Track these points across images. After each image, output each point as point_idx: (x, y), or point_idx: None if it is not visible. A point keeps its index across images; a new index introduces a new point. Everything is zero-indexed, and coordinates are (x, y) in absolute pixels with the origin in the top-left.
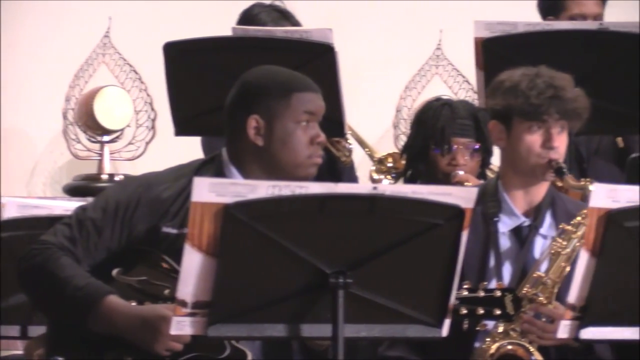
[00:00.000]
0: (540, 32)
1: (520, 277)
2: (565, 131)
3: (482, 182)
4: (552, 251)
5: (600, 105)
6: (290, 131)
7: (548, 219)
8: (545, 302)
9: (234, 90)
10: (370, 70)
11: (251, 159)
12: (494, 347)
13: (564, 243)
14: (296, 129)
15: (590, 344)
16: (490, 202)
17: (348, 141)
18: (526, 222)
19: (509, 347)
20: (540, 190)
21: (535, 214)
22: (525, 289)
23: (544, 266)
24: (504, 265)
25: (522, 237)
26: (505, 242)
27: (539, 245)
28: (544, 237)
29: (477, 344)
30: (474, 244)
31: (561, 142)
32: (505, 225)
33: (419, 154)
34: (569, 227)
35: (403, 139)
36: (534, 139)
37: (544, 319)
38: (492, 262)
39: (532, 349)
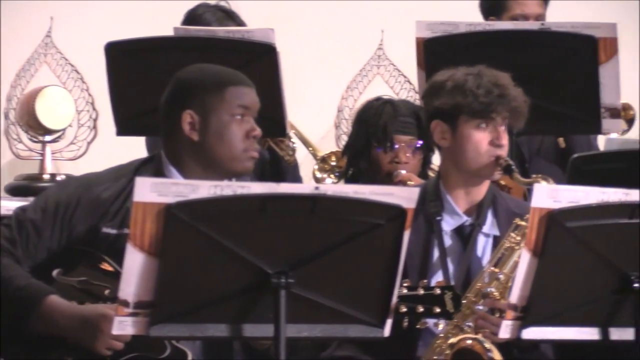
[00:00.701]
0: (481, 32)
1: (465, 276)
2: (506, 130)
3: (423, 181)
4: (506, 246)
5: (543, 105)
6: (225, 125)
7: (490, 218)
8: (499, 297)
9: (168, 88)
10: (311, 71)
11: (188, 156)
12: (449, 342)
13: (518, 238)
14: (231, 122)
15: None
16: (432, 202)
17: (291, 140)
18: (468, 221)
19: (469, 341)
20: (481, 189)
21: (477, 212)
22: (479, 284)
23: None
24: (448, 264)
25: (465, 236)
26: (448, 242)
27: (482, 244)
28: (487, 235)
29: (421, 343)
30: (416, 243)
31: (506, 140)
32: (448, 224)
33: (361, 153)
34: (523, 223)
35: (345, 139)
36: (483, 136)
37: (498, 315)
38: (435, 261)
39: (488, 345)
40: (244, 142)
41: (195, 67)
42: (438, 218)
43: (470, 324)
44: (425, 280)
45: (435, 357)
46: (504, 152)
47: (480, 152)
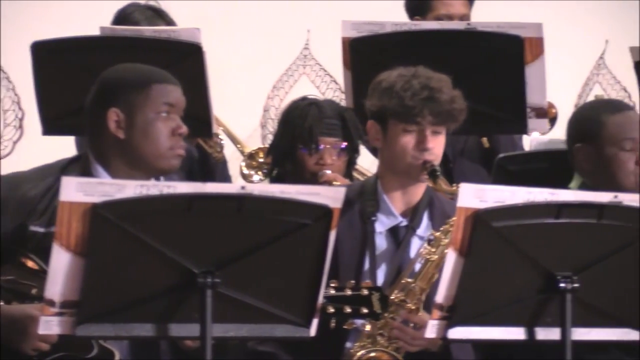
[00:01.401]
0: (407, 32)
1: (395, 278)
2: (442, 133)
3: (348, 181)
4: (423, 257)
5: (469, 105)
6: (151, 122)
7: (425, 220)
8: (413, 308)
9: (93, 87)
10: (237, 70)
11: (114, 154)
12: (358, 354)
13: (433, 250)
14: (156, 120)
15: (448, 349)
16: (368, 201)
17: (219, 137)
18: (403, 222)
19: (373, 354)
20: (418, 191)
21: (413, 214)
22: (394, 294)
23: (415, 271)
24: (380, 265)
25: (399, 237)
26: (382, 242)
27: (415, 246)
28: (421, 238)
29: (349, 344)
30: (350, 243)
31: (436, 144)
32: (382, 224)
33: (286, 154)
34: (438, 234)
35: (271, 139)
36: (408, 140)
37: (412, 325)
38: (367, 262)
39: (398, 356)
40: (169, 139)
41: (120, 66)
42: (373, 218)
43: (385, 333)
44: (352, 281)
45: None
46: (431, 155)
47: (406, 155)
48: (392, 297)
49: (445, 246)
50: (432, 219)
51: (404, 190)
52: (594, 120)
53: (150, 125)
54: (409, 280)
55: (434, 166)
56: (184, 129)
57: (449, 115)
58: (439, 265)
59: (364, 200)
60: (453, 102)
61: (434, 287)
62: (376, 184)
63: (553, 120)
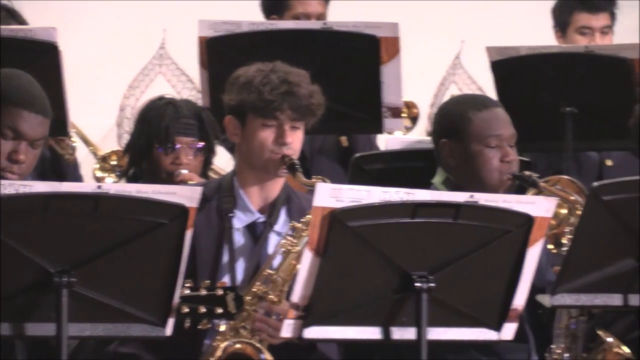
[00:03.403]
0: (264, 31)
1: (254, 274)
2: (301, 128)
3: (204, 180)
4: (284, 249)
5: (326, 104)
6: None
7: (283, 216)
8: (276, 300)
9: None
10: (94, 69)
11: None
12: (222, 346)
13: (294, 241)
14: None
15: (314, 342)
16: (225, 198)
17: (72, 139)
18: (261, 218)
19: (237, 345)
20: (276, 187)
21: (270, 210)
22: (256, 286)
23: (276, 263)
24: (238, 261)
25: (257, 233)
26: (239, 239)
27: (274, 242)
28: (279, 234)
29: (207, 341)
30: (208, 239)
31: (295, 139)
32: (240, 221)
33: (142, 153)
34: (299, 225)
35: (127, 138)
36: (267, 134)
37: (274, 317)
38: (226, 258)
39: (261, 347)
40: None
41: (7, 74)
42: (230, 215)
43: (247, 326)
44: (207, 281)
45: None
46: (290, 150)
47: (265, 150)
48: (254, 289)
49: (307, 237)
50: (289, 215)
51: (261, 186)
52: (460, 116)
53: None
54: (271, 271)
55: (292, 160)
56: (20, 157)
57: (307, 110)
58: (301, 257)
59: (221, 196)
60: (312, 96)
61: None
62: (233, 180)
63: (415, 119)
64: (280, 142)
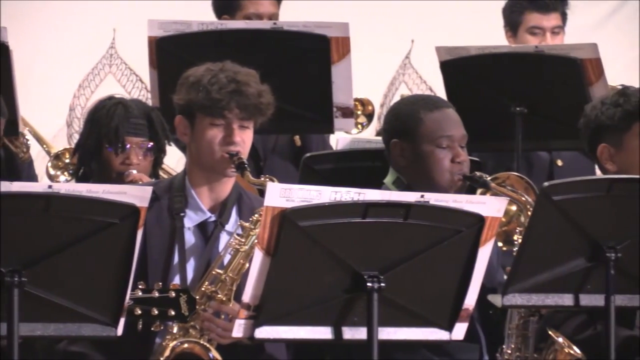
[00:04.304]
0: (213, 31)
1: (204, 274)
2: (250, 127)
3: (154, 180)
4: (232, 248)
5: (277, 104)
6: None
7: (234, 216)
8: (224, 299)
9: None
10: (44, 69)
11: None
12: (171, 345)
13: (243, 240)
14: None
15: (261, 342)
16: (176, 197)
17: (25, 137)
18: (212, 217)
19: (185, 345)
20: (226, 187)
21: (221, 210)
22: (204, 286)
23: (225, 263)
24: (189, 261)
25: (208, 232)
26: (190, 238)
27: (224, 241)
28: (230, 233)
29: (158, 340)
30: (159, 239)
31: (244, 138)
32: (191, 220)
33: (92, 153)
34: (247, 225)
35: (77, 137)
36: (215, 133)
37: (223, 317)
38: (176, 258)
39: (209, 346)
40: None
41: None
42: (181, 214)
43: (197, 325)
44: (160, 283)
45: None
46: (239, 148)
47: (214, 149)
48: (202, 289)
49: (255, 236)
50: (240, 214)
51: (211, 185)
52: (411, 117)
53: None
54: (219, 271)
55: (241, 159)
56: None
57: (256, 109)
58: (249, 256)
59: (172, 196)
60: (260, 96)
61: (245, 277)
62: (184, 179)
63: (370, 117)
64: (228, 142)
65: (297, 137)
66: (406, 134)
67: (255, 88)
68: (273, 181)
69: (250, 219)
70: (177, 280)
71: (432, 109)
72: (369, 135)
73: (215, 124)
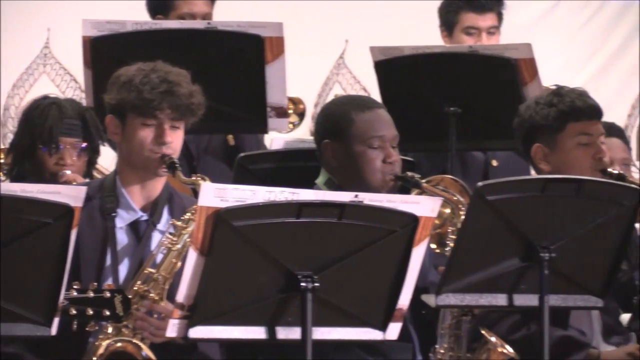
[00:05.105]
0: (148, 31)
1: (137, 273)
2: (181, 127)
3: (88, 180)
4: (164, 247)
5: (210, 104)
6: None
7: (165, 215)
8: (157, 298)
9: None
10: None
11: None
12: (104, 344)
13: (175, 239)
14: None
15: (194, 342)
16: (107, 197)
17: None
18: (144, 216)
19: (118, 344)
20: (157, 186)
21: (153, 209)
22: (137, 285)
23: (158, 262)
24: (122, 260)
25: (140, 232)
26: (123, 237)
27: (157, 240)
28: (162, 232)
29: (92, 340)
30: (92, 239)
31: (175, 138)
32: (122, 220)
33: (26, 153)
34: (179, 223)
35: (11, 138)
36: (146, 133)
37: (156, 316)
38: (109, 258)
39: (142, 345)
40: None
41: None
42: (113, 214)
43: (130, 325)
44: (95, 283)
45: None
46: (170, 149)
47: (145, 149)
48: (135, 288)
49: (187, 235)
50: (172, 214)
51: (142, 184)
52: (343, 117)
53: None
54: (152, 270)
55: (172, 159)
56: None
57: (187, 109)
58: (182, 255)
59: (103, 196)
60: (192, 96)
61: (178, 276)
62: (115, 179)
63: (302, 115)
64: (159, 142)
65: (230, 137)
66: (338, 134)
67: (186, 88)
68: (205, 180)
69: (182, 218)
70: (110, 280)
71: (363, 110)
72: (303, 134)
73: (146, 124)
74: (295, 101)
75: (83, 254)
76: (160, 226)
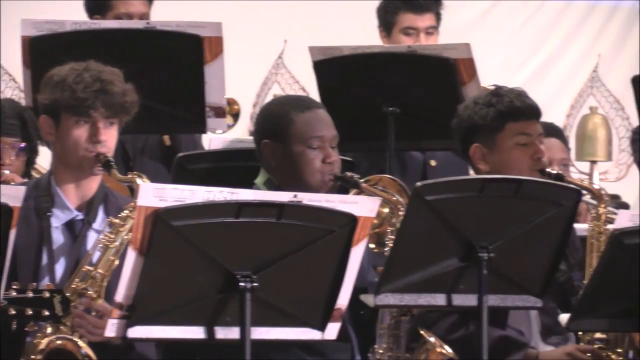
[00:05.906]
0: (87, 31)
1: (73, 272)
2: (115, 125)
3: (27, 180)
4: (102, 244)
5: (148, 104)
6: None
7: (101, 214)
8: (95, 296)
9: None
10: None
11: None
12: (44, 342)
13: (112, 237)
14: None
15: (131, 342)
16: (42, 197)
17: None
18: (79, 216)
19: (58, 342)
20: (92, 185)
21: (88, 208)
22: (75, 283)
23: (95, 259)
24: (59, 260)
25: (76, 231)
26: (59, 237)
27: (92, 240)
28: (98, 231)
29: (29, 339)
30: (27, 239)
31: (109, 136)
32: (58, 219)
33: None
34: (117, 221)
35: None
36: (81, 132)
37: (94, 314)
38: (45, 257)
39: (81, 343)
40: None
41: None
42: (48, 213)
43: (68, 322)
44: (34, 283)
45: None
46: (104, 148)
47: (79, 148)
48: (73, 286)
49: (125, 232)
50: (107, 213)
51: (77, 184)
52: (282, 117)
53: None
54: (89, 268)
55: (107, 157)
56: None
57: (121, 108)
58: (119, 252)
59: (38, 196)
60: (125, 94)
61: (115, 274)
62: (50, 179)
63: (236, 116)
64: (94, 140)
65: (166, 137)
66: (277, 134)
67: (120, 87)
68: (142, 177)
69: (119, 215)
70: (46, 280)
71: (302, 110)
72: (241, 134)
73: (80, 123)
74: (229, 102)
75: (19, 255)
76: (96, 225)
